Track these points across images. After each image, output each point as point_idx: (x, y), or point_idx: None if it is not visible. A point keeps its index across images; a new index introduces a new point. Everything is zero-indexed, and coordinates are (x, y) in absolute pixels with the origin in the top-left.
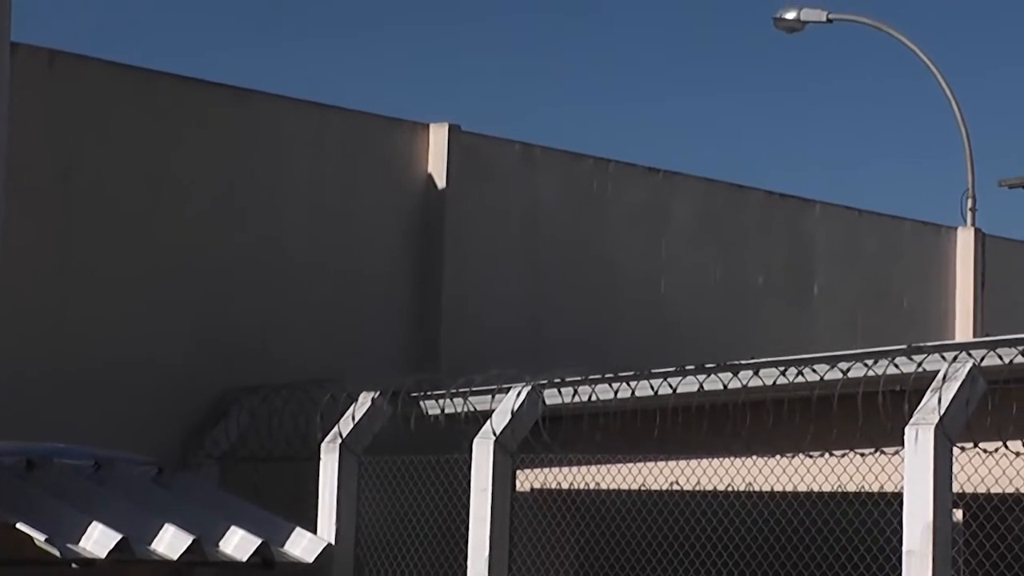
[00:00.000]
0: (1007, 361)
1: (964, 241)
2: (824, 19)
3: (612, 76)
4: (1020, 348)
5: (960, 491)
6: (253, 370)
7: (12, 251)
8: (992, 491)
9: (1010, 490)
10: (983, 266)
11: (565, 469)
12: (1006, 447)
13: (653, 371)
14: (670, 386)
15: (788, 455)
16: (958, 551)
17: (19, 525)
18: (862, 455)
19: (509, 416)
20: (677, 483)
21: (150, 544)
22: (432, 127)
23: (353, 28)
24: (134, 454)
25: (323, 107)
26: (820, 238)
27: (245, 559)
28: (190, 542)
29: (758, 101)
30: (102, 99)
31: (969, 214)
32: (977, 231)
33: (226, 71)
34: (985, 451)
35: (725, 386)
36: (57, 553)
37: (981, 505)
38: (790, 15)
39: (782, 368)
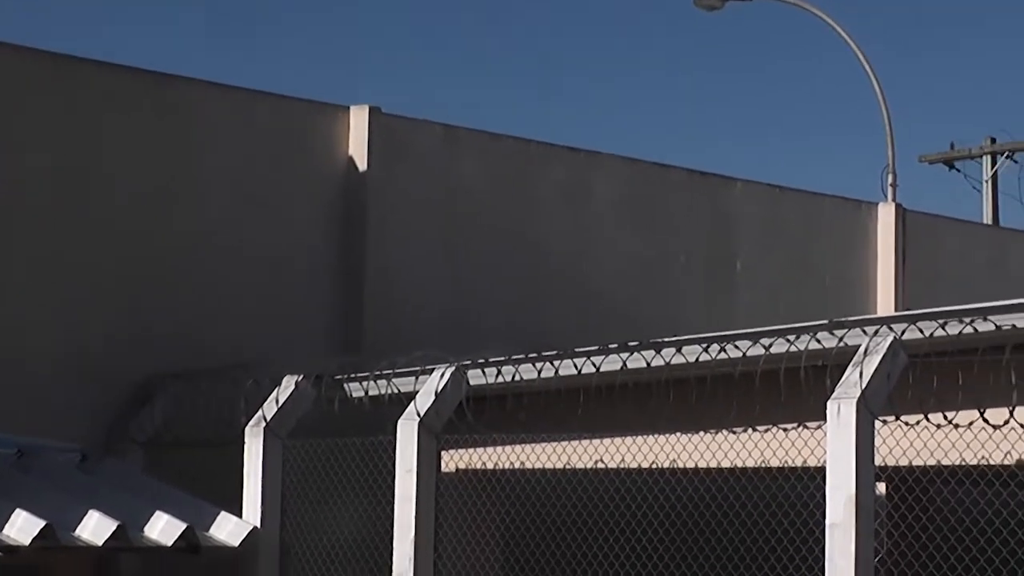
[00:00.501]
0: (928, 335)
1: (885, 216)
2: None
3: (534, 59)
4: (941, 322)
5: (882, 464)
6: (178, 356)
7: None
8: (914, 463)
9: (931, 462)
10: (904, 241)
11: (490, 449)
12: (927, 420)
13: (576, 350)
14: (593, 365)
15: (712, 431)
16: (881, 523)
17: None
18: (785, 430)
19: (433, 397)
20: (601, 461)
21: (74, 530)
22: (352, 109)
23: (275, 12)
24: (58, 441)
25: (245, 91)
26: (742, 215)
27: (171, 544)
28: (115, 528)
29: (680, 81)
30: (18, 85)
31: (890, 189)
32: (898, 206)
33: (144, 57)
34: (907, 424)
35: (648, 364)
36: None
37: (903, 477)
38: None
39: (705, 345)
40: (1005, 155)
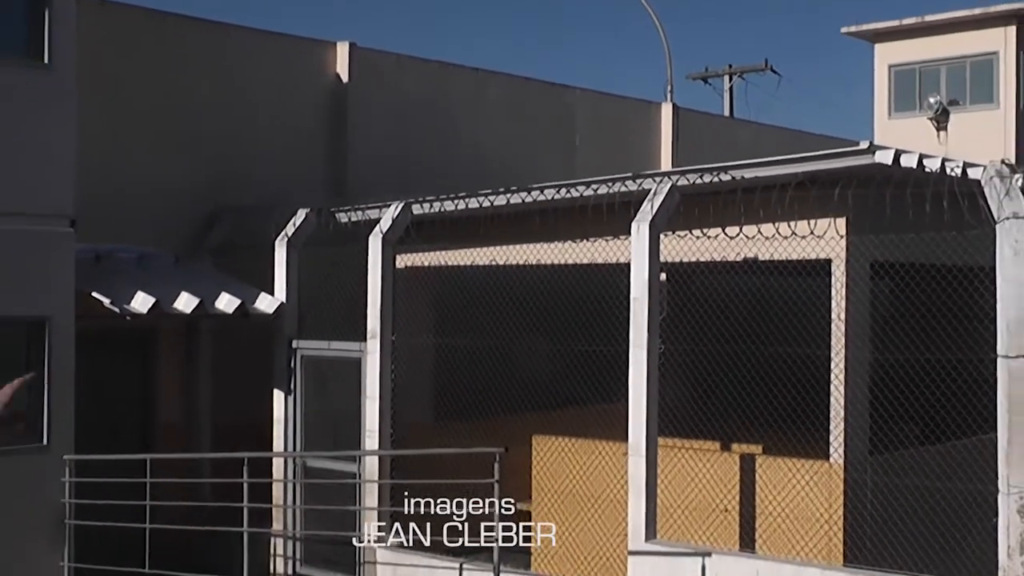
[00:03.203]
0: (692, 182)
1: (666, 112)
2: None
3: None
4: (700, 174)
5: (665, 261)
6: (233, 194)
7: (85, 125)
8: (683, 260)
9: (693, 259)
10: (678, 127)
11: (425, 254)
12: (691, 233)
13: (479, 192)
14: (489, 201)
15: (562, 241)
16: (663, 297)
17: (93, 293)
18: (607, 240)
19: (391, 222)
20: (495, 260)
21: (173, 304)
22: (338, 44)
23: None
24: (161, 250)
25: (272, 33)
26: (578, 110)
27: (232, 312)
28: (197, 302)
29: (541, 28)
30: (138, 31)
31: (669, 94)
32: (674, 106)
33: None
34: (679, 236)
35: (523, 201)
36: (117, 310)
37: (677, 269)
38: None
39: (557, 188)
40: (738, 75)
